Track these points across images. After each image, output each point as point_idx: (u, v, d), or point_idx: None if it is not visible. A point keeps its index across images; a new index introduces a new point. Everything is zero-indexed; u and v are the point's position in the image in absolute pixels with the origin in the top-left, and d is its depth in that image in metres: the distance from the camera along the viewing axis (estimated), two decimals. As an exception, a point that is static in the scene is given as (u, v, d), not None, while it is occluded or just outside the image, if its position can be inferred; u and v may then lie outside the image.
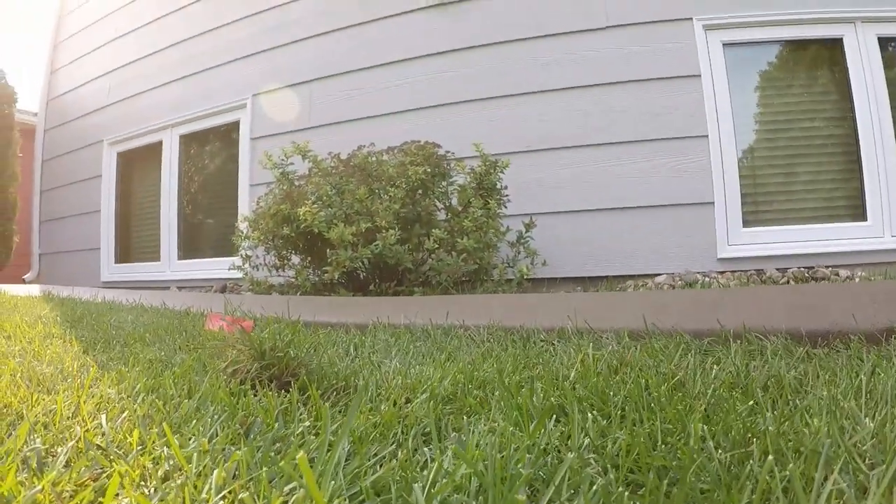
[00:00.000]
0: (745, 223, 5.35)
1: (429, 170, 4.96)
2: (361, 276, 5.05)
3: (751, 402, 1.37)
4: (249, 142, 7.53)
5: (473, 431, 1.27)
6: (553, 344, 2.37)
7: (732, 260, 5.22)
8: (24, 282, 10.05)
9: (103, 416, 1.39)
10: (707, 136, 5.38)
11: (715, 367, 1.76)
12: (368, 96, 6.71)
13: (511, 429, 1.26)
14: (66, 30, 10.64)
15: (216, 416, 1.41)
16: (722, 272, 5.15)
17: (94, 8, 10.09)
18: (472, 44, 6.22)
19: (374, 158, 5.17)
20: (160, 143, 8.71)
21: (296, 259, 5.41)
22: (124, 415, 1.45)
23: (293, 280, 5.28)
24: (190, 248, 8.46)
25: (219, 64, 8.01)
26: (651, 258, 5.37)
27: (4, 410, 1.51)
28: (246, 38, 7.76)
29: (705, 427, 1.17)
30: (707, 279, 4.94)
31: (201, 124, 8.28)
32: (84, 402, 1.54)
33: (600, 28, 5.77)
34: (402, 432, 1.34)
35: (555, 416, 1.34)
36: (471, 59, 6.22)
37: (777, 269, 5.05)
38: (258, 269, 5.51)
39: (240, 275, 5.72)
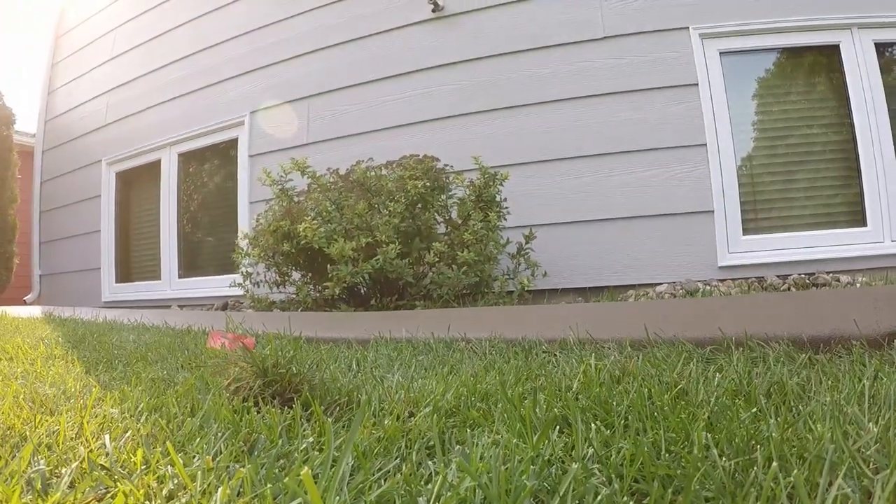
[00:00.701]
0: (745, 231, 5.35)
1: (428, 184, 4.97)
2: (362, 291, 5.06)
3: (754, 410, 1.37)
4: (248, 159, 7.54)
5: (477, 444, 1.27)
6: (555, 355, 2.37)
7: (733, 268, 5.22)
8: (24, 303, 10.05)
9: (107, 436, 1.39)
10: (705, 144, 5.39)
11: (717, 374, 1.76)
12: (366, 111, 6.73)
13: (515, 441, 1.26)
14: (62, 50, 10.67)
15: (220, 434, 1.41)
16: (723, 280, 5.15)
17: (90, 28, 10.12)
18: (469, 57, 6.24)
19: (372, 173, 5.18)
20: (159, 162, 8.73)
21: (296, 275, 5.41)
22: (128, 434, 1.45)
23: (294, 296, 5.28)
24: (190, 266, 8.46)
25: (216, 81, 8.03)
26: (652, 267, 5.37)
27: (8, 432, 1.51)
28: (243, 56, 7.78)
29: (709, 435, 1.17)
30: (708, 287, 4.93)
31: (199, 142, 8.29)
32: (87, 423, 1.54)
33: (597, 39, 5.79)
34: (406, 446, 1.34)
35: (558, 427, 1.34)
36: (468, 72, 6.24)
37: (778, 276, 5.05)
38: (259, 286, 5.51)
39: (241, 292, 5.72)
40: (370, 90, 6.74)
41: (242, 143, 7.67)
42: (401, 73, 6.58)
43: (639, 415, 1.36)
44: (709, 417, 1.32)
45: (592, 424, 1.28)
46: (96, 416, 1.63)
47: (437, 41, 6.45)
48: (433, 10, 6.39)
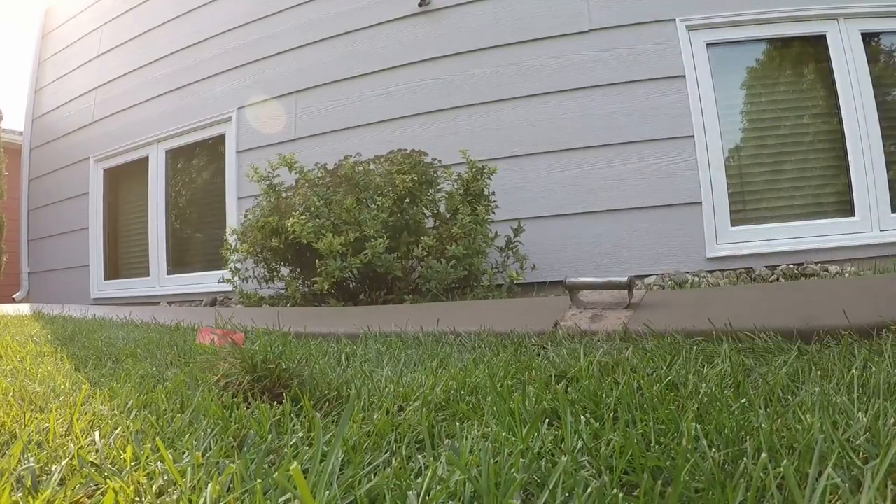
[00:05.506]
0: (734, 222, 5.36)
1: (416, 178, 4.97)
2: (351, 286, 5.05)
3: (743, 401, 1.37)
4: (236, 155, 7.52)
5: (467, 437, 1.27)
6: (545, 348, 2.37)
7: (721, 259, 5.24)
8: (13, 301, 10.00)
9: (96, 433, 1.39)
10: (693, 136, 5.40)
11: (706, 365, 1.77)
12: (353, 106, 6.72)
13: (504, 434, 1.26)
14: (49, 48, 10.63)
15: (209, 430, 1.41)
16: (711, 271, 5.17)
17: (76, 25, 10.08)
18: (455, 51, 6.24)
19: (360, 168, 5.17)
20: (147, 159, 8.70)
21: (285, 270, 5.40)
22: (117, 431, 1.44)
23: (283, 292, 5.28)
24: (179, 262, 8.44)
25: (203, 78, 8.00)
26: (640, 259, 5.38)
27: (5, 433, 1.50)
28: (230, 52, 7.76)
29: (698, 426, 1.18)
30: (697, 279, 4.95)
31: (187, 138, 8.27)
32: (77, 420, 1.53)
33: (584, 32, 5.79)
34: (396, 440, 1.34)
35: (548, 419, 1.34)
36: (455, 65, 6.23)
37: (766, 267, 5.07)
38: (248, 282, 5.50)
39: (230, 288, 5.71)
40: (357, 85, 6.73)
41: (230, 139, 7.65)
42: (387, 67, 6.57)
43: (628, 407, 1.37)
44: (698, 409, 1.33)
45: (582, 417, 1.28)
46: (86, 414, 1.63)
47: (424, 35, 6.44)
48: (419, 5, 6.38)
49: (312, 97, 7.01)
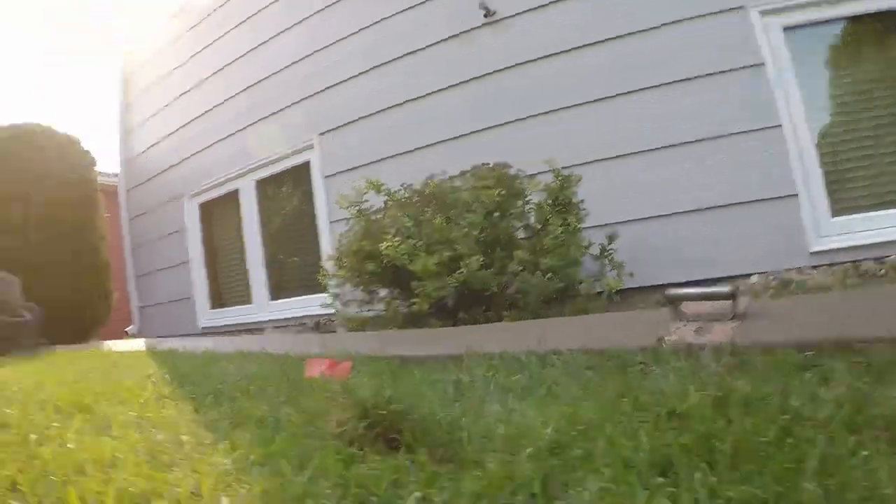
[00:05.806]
0: (834, 212, 5.08)
1: (503, 191, 4.97)
2: (449, 305, 5.08)
3: (865, 453, 1.30)
4: (322, 180, 7.69)
5: (582, 490, 1.28)
6: (651, 367, 2.34)
7: (825, 253, 4.96)
8: (126, 335, 10.47)
9: (225, 501, 1.46)
10: (781, 125, 5.18)
11: (822, 389, 1.71)
12: (433, 121, 6.75)
13: (616, 488, 1.26)
14: (131, 91, 11.15)
15: (331, 492, 1.46)
16: (815, 266, 4.93)
17: (154, 67, 10.58)
18: (528, 58, 6.20)
19: (447, 186, 5.21)
20: (237, 191, 8.98)
21: (383, 292, 5.47)
22: (243, 491, 1.51)
23: (383, 313, 5.35)
24: (279, 288, 8.65)
25: (283, 107, 8.20)
26: (740, 259, 5.19)
27: (131, 489, 1.59)
28: (305, 79, 7.93)
29: (818, 488, 1.13)
30: (801, 277, 4.78)
31: (274, 168, 8.51)
32: (204, 479, 1.61)
33: (655, 27, 5.66)
34: (512, 492, 1.36)
35: (661, 468, 1.34)
36: (529, 73, 6.19)
37: (874, 260, 4.79)
38: (348, 305, 5.60)
39: (331, 311, 5.83)
40: (434, 101, 6.78)
41: (315, 165, 7.84)
42: (459, 81, 6.59)
43: (744, 455, 1.34)
44: (819, 462, 1.27)
45: (696, 471, 1.27)
46: (211, 466, 1.71)
47: (495, 45, 6.42)
48: (485, 16, 6.38)
49: (391, 117, 7.08)
